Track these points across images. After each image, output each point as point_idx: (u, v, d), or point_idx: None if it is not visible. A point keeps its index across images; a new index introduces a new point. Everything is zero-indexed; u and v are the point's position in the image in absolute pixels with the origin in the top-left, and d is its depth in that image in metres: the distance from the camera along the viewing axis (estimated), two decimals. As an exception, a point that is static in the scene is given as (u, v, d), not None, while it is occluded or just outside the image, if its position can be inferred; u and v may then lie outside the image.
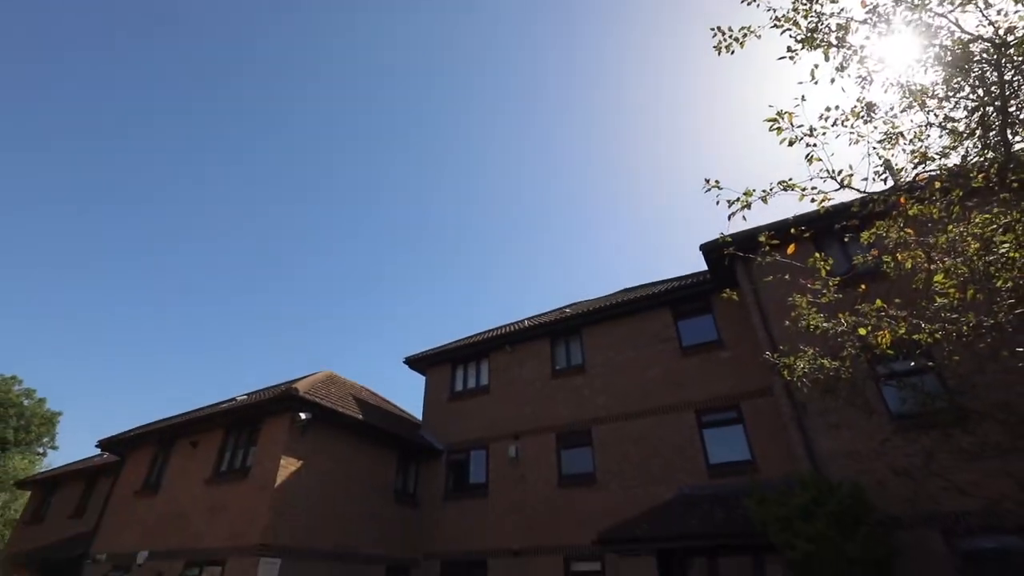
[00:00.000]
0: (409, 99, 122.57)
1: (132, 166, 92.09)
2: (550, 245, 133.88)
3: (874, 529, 6.79)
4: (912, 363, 6.25)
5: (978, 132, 3.68)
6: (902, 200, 3.87)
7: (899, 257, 4.53)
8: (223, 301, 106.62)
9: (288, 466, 9.93)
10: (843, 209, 5.46)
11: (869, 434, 7.98)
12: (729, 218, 3.70)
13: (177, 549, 10.38)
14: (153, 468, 12.53)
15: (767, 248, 4.13)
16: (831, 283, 4.38)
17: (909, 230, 4.34)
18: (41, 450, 39.43)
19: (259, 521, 9.37)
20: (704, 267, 11.43)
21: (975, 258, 4.02)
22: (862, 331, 4.39)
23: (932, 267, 4.14)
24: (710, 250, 10.16)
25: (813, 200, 3.74)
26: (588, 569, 10.44)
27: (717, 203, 3.82)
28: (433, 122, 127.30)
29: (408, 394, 58.63)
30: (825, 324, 4.66)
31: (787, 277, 4.92)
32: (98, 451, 19.26)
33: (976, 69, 3.67)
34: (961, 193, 3.90)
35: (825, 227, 7.45)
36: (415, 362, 15.56)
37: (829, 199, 3.75)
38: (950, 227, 4.17)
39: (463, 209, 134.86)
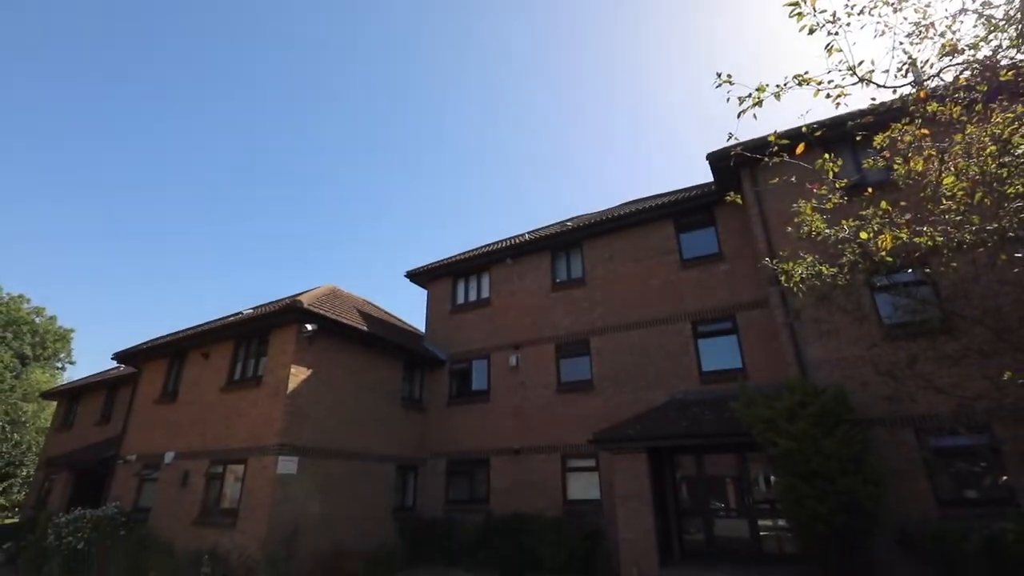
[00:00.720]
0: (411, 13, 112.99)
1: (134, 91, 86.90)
2: (553, 159, 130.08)
3: (852, 427, 7.24)
4: (910, 270, 6.29)
5: (1018, 16, 3.40)
6: (922, 94, 3.66)
7: (911, 162, 4.38)
8: (221, 219, 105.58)
9: (298, 374, 10.38)
10: (857, 116, 5.21)
11: (858, 341, 8.26)
12: (739, 116, 3.53)
13: (200, 450, 11.14)
14: (169, 378, 13.12)
15: (775, 148, 3.99)
16: (837, 184, 4.27)
17: (925, 131, 4.17)
18: (60, 365, 41.10)
19: (275, 424, 9.96)
20: (710, 180, 11.20)
21: (989, 159, 3.89)
22: (864, 235, 4.36)
23: (943, 168, 4.02)
24: (717, 159, 9.87)
25: (829, 96, 3.54)
26: (583, 465, 11.29)
27: (727, 100, 3.63)
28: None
29: (410, 308, 59.95)
30: (827, 231, 4.62)
31: (793, 179, 4.80)
32: (114, 364, 20.13)
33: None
34: (987, 88, 3.68)
35: (836, 136, 7.17)
36: (416, 276, 15.71)
37: (846, 94, 3.55)
38: (969, 127, 3.99)
39: (462, 124, 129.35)
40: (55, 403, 24.71)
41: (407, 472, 12.80)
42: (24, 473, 30.04)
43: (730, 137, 3.85)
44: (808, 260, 4.99)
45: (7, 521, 19.90)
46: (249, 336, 11.54)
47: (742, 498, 9.67)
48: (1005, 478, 4.51)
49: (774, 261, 5.48)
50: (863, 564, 7.19)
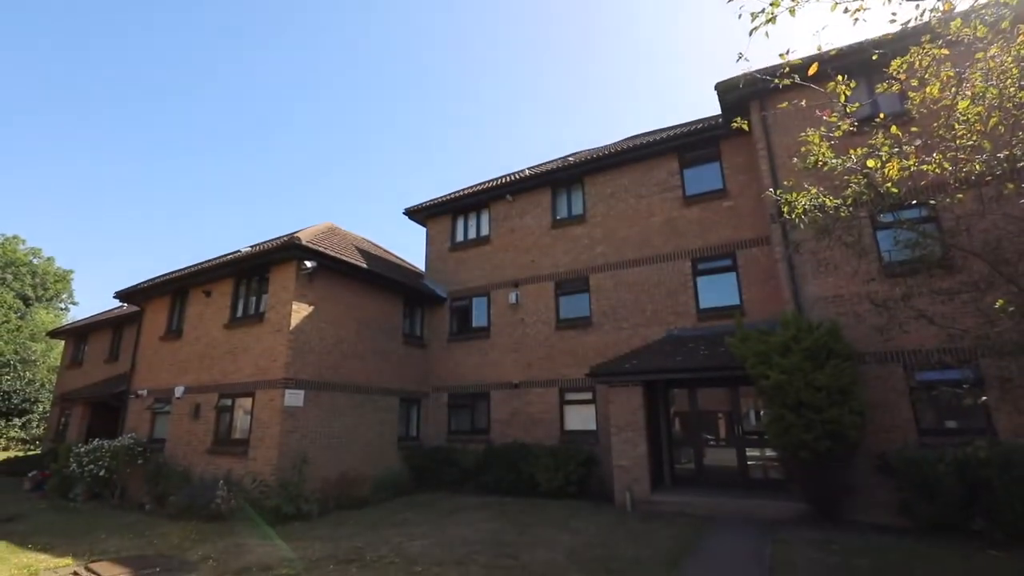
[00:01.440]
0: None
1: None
2: (558, 89, 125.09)
3: (843, 362, 7.44)
4: (914, 201, 6.21)
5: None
6: (947, 6, 3.44)
7: (928, 87, 4.18)
8: (210, 156, 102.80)
9: (300, 311, 10.51)
10: (875, 41, 4.93)
11: (855, 277, 8.32)
12: (751, 33, 3.34)
13: (209, 384, 11.48)
14: (172, 316, 13.29)
15: (787, 68, 3.81)
16: (848, 109, 4.11)
17: (945, 51, 3.96)
18: (63, 306, 41.57)
19: (279, 359, 10.21)
20: (718, 113, 10.83)
21: (1009, 82, 3.73)
22: (871, 163, 4.25)
23: (959, 92, 3.86)
24: (726, 90, 9.49)
25: (847, 10, 3.34)
26: (580, 398, 11.69)
27: (740, 16, 3.42)
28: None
29: (408, 248, 59.58)
30: (834, 160, 4.50)
31: (803, 103, 4.61)
32: (117, 304, 20.33)
33: None
34: (1016, 1, 3.45)
35: (851, 64, 6.85)
36: (415, 213, 15.53)
37: (866, 8, 3.34)
38: (992, 47, 3.79)
39: (461, 52, 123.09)
40: (62, 342, 25.19)
41: (410, 404, 13.27)
42: (40, 409, 31.15)
43: (740, 57, 3.66)
44: (812, 192, 4.91)
45: (30, 453, 20.86)
46: (249, 274, 11.58)
47: (732, 429, 10.09)
48: (984, 398, 4.67)
49: (777, 192, 5.37)
50: (843, 487, 7.62)
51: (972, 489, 6.46)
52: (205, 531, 8.37)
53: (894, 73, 4.38)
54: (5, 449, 26.66)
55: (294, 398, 10.12)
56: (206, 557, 6.76)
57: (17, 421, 30.57)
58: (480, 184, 15.42)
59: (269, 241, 12.53)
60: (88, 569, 6.23)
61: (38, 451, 20.95)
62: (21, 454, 20.69)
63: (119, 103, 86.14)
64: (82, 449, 11.63)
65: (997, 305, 4.71)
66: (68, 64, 74.43)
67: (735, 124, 4.76)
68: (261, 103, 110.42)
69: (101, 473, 11.22)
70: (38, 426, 30.39)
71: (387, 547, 7.00)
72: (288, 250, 10.42)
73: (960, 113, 3.91)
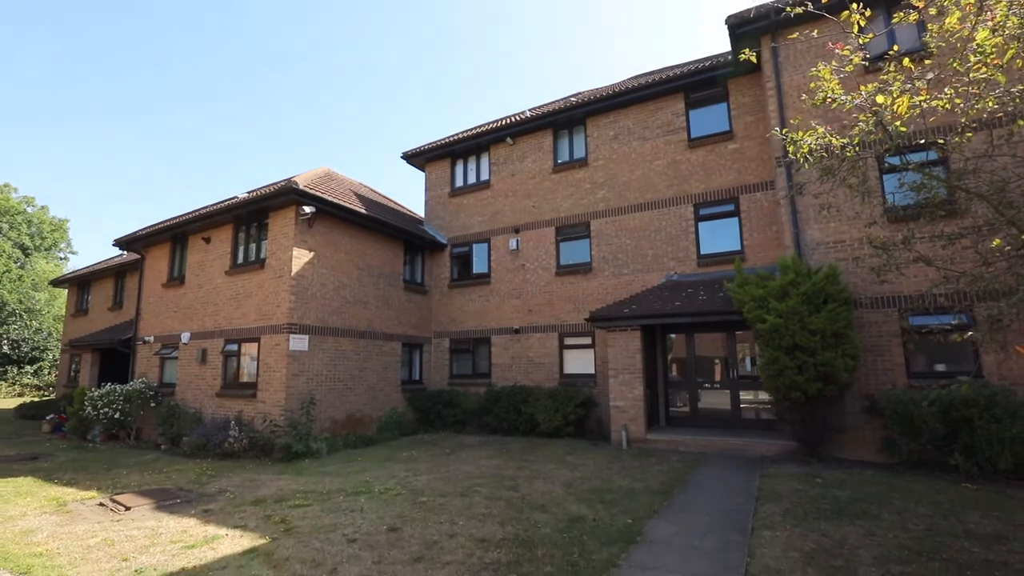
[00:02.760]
0: None
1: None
2: (561, 29, 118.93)
3: (840, 306, 7.53)
4: (922, 141, 6.08)
5: None
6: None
7: (947, 19, 3.98)
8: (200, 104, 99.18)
9: (301, 257, 10.52)
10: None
11: (856, 222, 8.28)
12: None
13: (214, 330, 11.67)
14: (173, 263, 13.32)
15: (802, -8, 3.63)
16: (863, 39, 3.93)
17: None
18: (62, 255, 41.52)
19: (283, 305, 10.33)
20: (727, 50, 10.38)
21: (1034, 9, 3.55)
22: (881, 99, 4.12)
23: (979, 21, 3.68)
24: (737, 24, 9.04)
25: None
26: (579, 343, 11.91)
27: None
28: None
29: (405, 194, 58.79)
30: (843, 96, 4.36)
31: (815, 34, 4.41)
32: (117, 252, 20.32)
33: None
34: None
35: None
36: (413, 157, 15.17)
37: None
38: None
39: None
40: (65, 292, 25.36)
41: (413, 349, 13.55)
42: (50, 356, 31.82)
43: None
44: (819, 131, 4.79)
45: (44, 398, 21.49)
46: (248, 219, 11.50)
47: (727, 373, 10.35)
48: (971, 333, 4.77)
49: (783, 131, 5.24)
50: (831, 426, 7.92)
51: (953, 427, 6.72)
52: (220, 468, 8.77)
53: (912, 1, 4.16)
54: (20, 395, 27.49)
55: (299, 343, 10.32)
56: (223, 490, 7.13)
57: (29, 368, 31.34)
58: (480, 126, 15.00)
59: (266, 186, 12.36)
60: (113, 500, 6.58)
61: (52, 396, 21.57)
62: (36, 399, 21.31)
63: (108, 51, 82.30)
64: (96, 393, 11.99)
65: (994, 244, 4.72)
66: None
67: (744, 56, 4.56)
68: (254, 48, 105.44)
69: (116, 415, 11.63)
70: (49, 373, 31.18)
71: (394, 480, 7.37)
72: (286, 195, 10.29)
73: (977, 44, 3.75)
